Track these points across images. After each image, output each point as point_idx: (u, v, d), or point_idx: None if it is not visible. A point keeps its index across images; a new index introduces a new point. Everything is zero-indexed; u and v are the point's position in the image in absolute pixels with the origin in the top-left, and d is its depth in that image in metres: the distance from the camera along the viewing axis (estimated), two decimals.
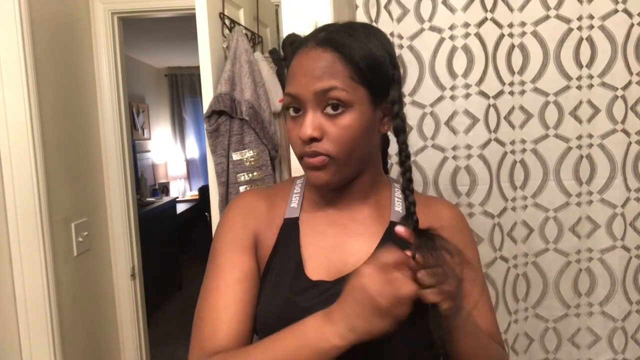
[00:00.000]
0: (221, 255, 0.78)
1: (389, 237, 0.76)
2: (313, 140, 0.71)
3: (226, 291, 0.73)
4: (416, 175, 1.24)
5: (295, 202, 0.82)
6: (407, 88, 1.21)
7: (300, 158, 0.74)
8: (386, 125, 0.77)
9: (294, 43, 0.75)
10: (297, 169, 1.00)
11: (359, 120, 0.71)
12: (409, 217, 0.70)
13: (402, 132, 0.74)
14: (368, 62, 0.71)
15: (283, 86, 1.65)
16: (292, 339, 0.64)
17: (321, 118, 0.71)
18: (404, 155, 0.74)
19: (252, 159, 1.49)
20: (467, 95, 1.20)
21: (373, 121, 0.74)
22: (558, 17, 1.19)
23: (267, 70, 1.60)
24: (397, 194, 0.82)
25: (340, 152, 0.71)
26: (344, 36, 0.71)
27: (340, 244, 0.77)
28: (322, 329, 0.61)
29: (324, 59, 0.70)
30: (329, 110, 0.70)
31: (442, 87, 1.20)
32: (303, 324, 0.63)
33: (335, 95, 0.69)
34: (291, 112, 0.73)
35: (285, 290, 0.74)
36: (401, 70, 1.20)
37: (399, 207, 0.80)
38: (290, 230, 0.79)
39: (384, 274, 0.59)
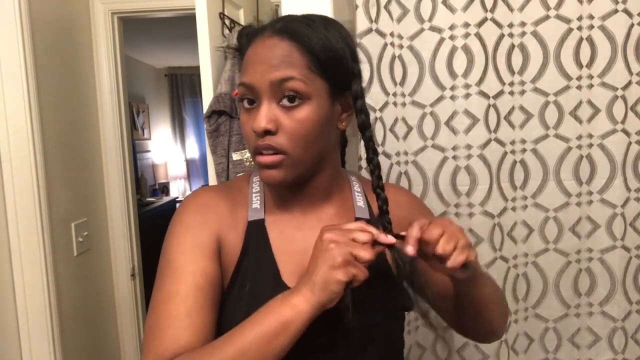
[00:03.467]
0: (179, 259, 0.70)
1: None
2: (267, 133, 0.67)
3: (187, 298, 0.67)
4: (416, 175, 1.24)
5: (256, 202, 0.77)
6: (407, 88, 1.21)
7: (254, 154, 0.70)
8: (345, 122, 0.75)
9: (250, 33, 0.72)
10: None
11: (316, 113, 0.68)
12: (383, 216, 0.72)
13: (367, 127, 0.72)
14: (327, 53, 0.68)
15: None
16: (259, 315, 0.62)
17: (276, 110, 0.67)
18: (372, 152, 0.73)
19: (252, 159, 1.49)
20: (467, 95, 1.20)
21: (330, 116, 0.71)
22: (558, 17, 1.19)
23: None
24: (356, 188, 0.81)
25: (295, 147, 0.68)
26: (302, 26, 0.69)
27: (310, 248, 0.69)
28: (287, 298, 0.62)
29: (281, 47, 0.67)
30: (284, 102, 0.67)
31: (442, 87, 1.20)
32: (271, 300, 0.63)
33: (292, 86, 0.66)
34: (245, 103, 0.70)
35: (265, 302, 0.66)
36: (398, 69, 1.20)
37: (360, 202, 0.79)
38: (257, 234, 0.74)
39: (344, 230, 0.63)
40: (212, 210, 0.74)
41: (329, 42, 0.69)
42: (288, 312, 0.60)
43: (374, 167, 0.73)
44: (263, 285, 0.71)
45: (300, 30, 0.68)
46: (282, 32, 0.68)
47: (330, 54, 0.69)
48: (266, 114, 0.67)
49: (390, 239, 0.64)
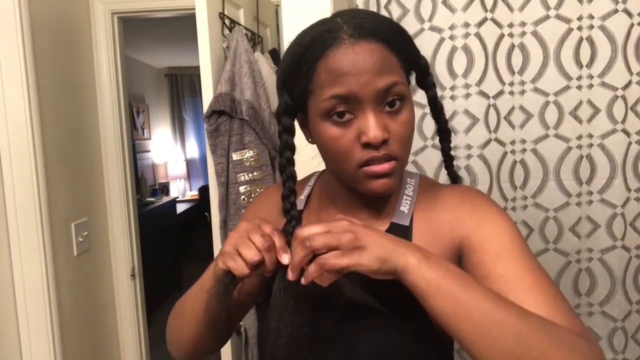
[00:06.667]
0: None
1: None
2: (383, 143, 0.63)
3: None
4: None
5: (304, 193, 0.80)
6: None
7: (360, 167, 0.65)
8: None
9: (316, 43, 0.64)
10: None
11: (412, 112, 0.67)
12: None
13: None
14: (409, 46, 0.67)
15: None
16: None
17: (383, 116, 0.64)
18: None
19: (252, 159, 1.49)
20: (467, 95, 1.20)
21: None
22: (558, 17, 1.19)
23: (266, 70, 1.60)
24: (408, 191, 0.74)
25: (404, 151, 0.66)
26: (381, 24, 0.65)
27: None
28: (213, 262, 0.71)
29: (377, 51, 0.63)
30: (387, 107, 0.64)
31: (442, 87, 1.20)
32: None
33: (397, 90, 0.63)
34: (335, 117, 0.64)
35: (278, 295, 0.69)
36: None
37: (405, 206, 0.72)
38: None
39: (254, 227, 0.64)
40: (266, 205, 0.82)
41: (404, 30, 0.67)
42: (206, 274, 0.71)
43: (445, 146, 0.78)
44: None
45: (382, 28, 0.64)
46: (370, 35, 0.63)
47: (411, 45, 0.68)
48: (379, 123, 0.63)
49: (285, 259, 0.61)
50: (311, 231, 0.59)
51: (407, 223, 0.71)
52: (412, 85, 0.73)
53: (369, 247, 0.56)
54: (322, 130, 0.65)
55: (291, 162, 0.73)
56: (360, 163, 0.64)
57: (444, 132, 0.77)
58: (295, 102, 0.69)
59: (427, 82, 0.73)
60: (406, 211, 0.72)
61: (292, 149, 0.72)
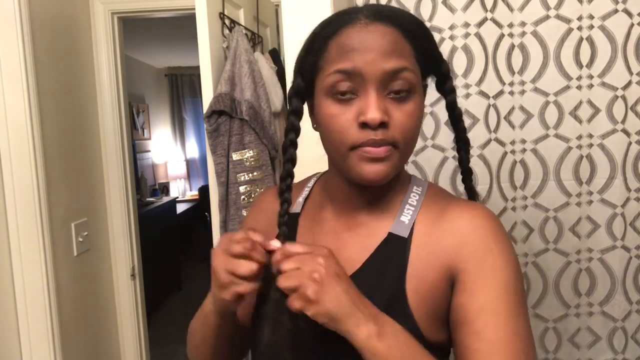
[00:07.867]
0: None
1: (383, 251, 0.67)
2: (381, 126, 0.61)
3: None
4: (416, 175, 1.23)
5: (302, 196, 0.78)
6: None
7: (354, 148, 0.62)
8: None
9: (333, 22, 0.64)
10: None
11: (420, 107, 0.64)
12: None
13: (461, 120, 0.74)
14: (429, 42, 0.66)
15: (283, 86, 1.65)
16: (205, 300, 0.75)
17: (385, 101, 0.62)
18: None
19: (252, 159, 1.49)
20: (467, 95, 1.21)
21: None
22: (558, 17, 1.19)
23: (267, 70, 1.60)
24: (412, 200, 0.70)
25: (405, 140, 0.63)
26: (401, 13, 0.65)
27: None
28: (209, 294, 0.72)
29: (390, 34, 0.61)
30: (393, 94, 0.62)
31: None
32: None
33: (406, 76, 0.61)
34: (338, 95, 0.62)
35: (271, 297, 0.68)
36: None
37: (406, 216, 0.68)
38: (289, 227, 0.73)
39: (228, 243, 0.63)
40: (263, 212, 0.81)
41: (429, 31, 0.66)
42: (205, 308, 0.73)
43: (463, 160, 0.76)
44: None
45: (403, 16, 0.64)
46: (386, 18, 0.62)
47: (430, 46, 0.67)
48: (379, 105, 0.60)
49: (273, 246, 0.62)
50: (291, 250, 0.61)
51: (405, 235, 0.67)
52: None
53: (325, 303, 0.58)
54: (323, 107, 0.64)
55: (294, 145, 0.71)
56: (355, 145, 0.62)
57: (462, 141, 0.74)
58: (306, 83, 0.68)
59: (446, 87, 0.71)
60: (407, 222, 0.68)
61: (297, 131, 0.70)
